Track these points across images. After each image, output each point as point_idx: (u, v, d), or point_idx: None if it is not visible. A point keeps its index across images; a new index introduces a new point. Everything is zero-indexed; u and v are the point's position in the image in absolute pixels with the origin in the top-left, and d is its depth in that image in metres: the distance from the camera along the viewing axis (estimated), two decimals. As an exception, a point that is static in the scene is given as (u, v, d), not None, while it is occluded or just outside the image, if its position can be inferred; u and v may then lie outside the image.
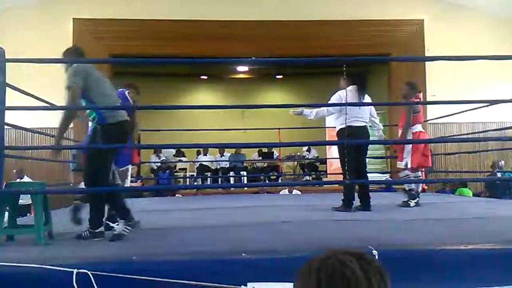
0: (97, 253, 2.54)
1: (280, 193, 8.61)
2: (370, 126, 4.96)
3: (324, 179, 10.65)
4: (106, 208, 3.21)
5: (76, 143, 6.00)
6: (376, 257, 2.17)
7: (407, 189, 4.99)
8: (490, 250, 2.43)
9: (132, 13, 9.63)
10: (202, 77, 15.39)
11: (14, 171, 7.64)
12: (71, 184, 6.11)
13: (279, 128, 9.47)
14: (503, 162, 9.09)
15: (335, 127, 4.86)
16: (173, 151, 12.10)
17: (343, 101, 4.52)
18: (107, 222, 3.74)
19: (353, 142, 4.62)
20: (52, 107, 3.01)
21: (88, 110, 3.28)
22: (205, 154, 11.98)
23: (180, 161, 11.99)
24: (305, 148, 11.93)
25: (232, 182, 10.50)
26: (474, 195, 8.44)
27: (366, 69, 13.60)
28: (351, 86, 4.70)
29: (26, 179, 7.57)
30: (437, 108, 7.98)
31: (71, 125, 3.24)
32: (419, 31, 10.17)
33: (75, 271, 2.07)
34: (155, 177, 10.72)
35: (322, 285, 0.90)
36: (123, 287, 2.10)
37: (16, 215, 3.17)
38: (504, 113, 8.97)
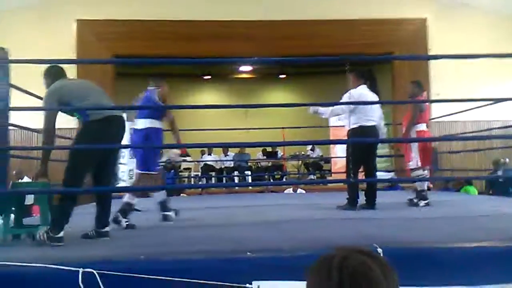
0: (103, 252, 2.55)
1: (285, 192, 8.62)
2: None
3: (329, 178, 10.65)
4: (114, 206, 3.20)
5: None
6: (381, 254, 2.17)
7: (419, 189, 4.94)
8: (495, 247, 2.42)
9: (135, 14, 9.65)
10: (205, 77, 15.42)
11: (14, 172, 7.63)
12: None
13: (283, 128, 9.47)
14: (507, 159, 9.05)
15: (342, 126, 4.85)
16: (178, 151, 12.08)
17: (356, 100, 4.54)
18: (118, 213, 3.80)
19: (357, 140, 4.62)
20: (55, 108, 3.02)
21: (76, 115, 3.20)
22: (209, 154, 11.99)
23: (185, 161, 11.99)
24: (309, 147, 11.92)
25: (236, 181, 10.51)
26: (479, 193, 8.40)
27: (369, 68, 13.59)
28: (362, 84, 4.69)
29: (26, 179, 7.55)
30: (441, 107, 7.96)
31: (73, 125, 3.26)
32: (422, 29, 10.14)
33: (81, 270, 2.08)
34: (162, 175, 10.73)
35: (345, 285, 0.89)
36: (129, 286, 2.11)
37: (22, 215, 3.19)
38: (509, 111, 8.93)
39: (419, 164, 4.88)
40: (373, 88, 4.68)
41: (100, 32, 9.65)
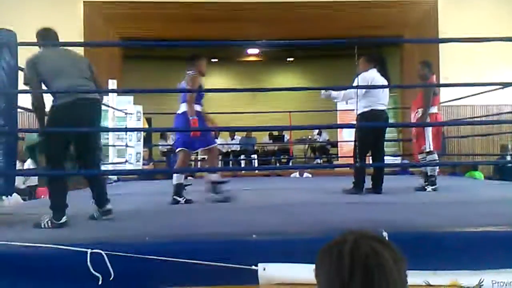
0: (111, 233, 2.58)
1: (291, 176, 8.64)
2: None
3: (335, 162, 10.64)
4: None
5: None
6: (387, 238, 2.18)
7: (429, 174, 4.88)
8: (501, 232, 2.42)
9: (143, -4, 9.57)
10: (213, 60, 15.34)
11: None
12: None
13: (290, 111, 9.43)
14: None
15: (352, 110, 4.81)
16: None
17: (369, 83, 4.50)
18: (174, 197, 4.05)
19: (366, 125, 4.60)
20: (63, 91, 3.02)
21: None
22: (216, 138, 12.01)
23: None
24: (316, 132, 11.90)
25: (243, 165, 10.53)
26: (487, 178, 8.36)
27: (378, 50, 13.45)
28: (372, 67, 4.65)
29: (29, 162, 7.46)
30: (450, 91, 7.88)
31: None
32: (433, 12, 9.97)
33: (89, 251, 2.11)
34: (167, 159, 10.79)
35: (356, 270, 0.90)
36: (136, 267, 2.14)
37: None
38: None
39: (432, 147, 4.84)
40: (383, 72, 4.63)
41: (107, 14, 9.60)
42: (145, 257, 2.12)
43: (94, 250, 2.11)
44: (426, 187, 4.79)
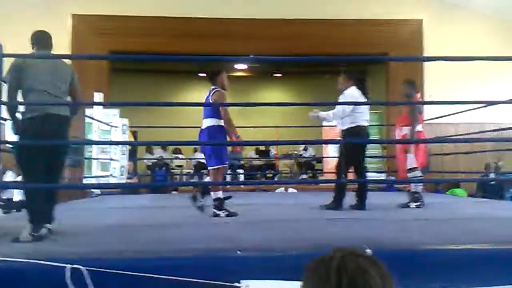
0: (91, 248, 2.53)
1: (276, 191, 8.62)
2: None
3: (320, 178, 10.67)
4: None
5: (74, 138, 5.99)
6: (370, 256, 2.18)
7: (412, 190, 4.92)
8: (483, 250, 2.44)
9: (132, 10, 9.61)
10: (200, 74, 15.38)
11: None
12: (66, 180, 6.10)
13: (276, 126, 9.46)
14: (501, 162, 9.11)
15: (335, 126, 4.85)
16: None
17: (355, 101, 4.54)
18: (214, 210, 4.06)
19: (349, 141, 4.63)
20: (50, 103, 2.99)
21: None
22: (202, 152, 11.97)
23: (177, 158, 11.99)
24: (302, 147, 11.94)
25: (228, 179, 10.48)
26: (470, 195, 8.45)
27: (364, 68, 13.62)
28: (352, 85, 4.70)
29: (10, 174, 7.30)
30: (434, 108, 7.99)
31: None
32: (418, 31, 10.18)
33: (68, 266, 2.06)
34: (152, 173, 10.72)
35: (343, 287, 0.89)
36: (117, 283, 2.10)
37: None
38: (501, 114, 8.98)
39: (415, 165, 4.89)
40: (362, 89, 4.67)
41: (95, 27, 9.59)
42: (126, 273, 2.08)
43: (73, 266, 2.07)
44: (409, 204, 4.82)
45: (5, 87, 3.05)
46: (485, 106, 6.29)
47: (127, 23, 9.60)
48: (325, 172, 9.96)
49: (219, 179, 4.34)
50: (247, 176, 10.70)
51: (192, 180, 11.01)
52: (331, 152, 8.88)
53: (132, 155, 9.33)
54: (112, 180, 6.73)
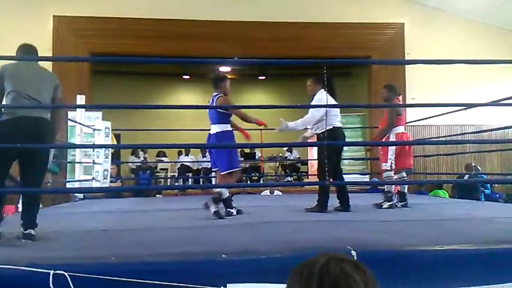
0: (75, 253, 2.50)
1: (262, 194, 8.62)
2: None
3: (306, 180, 10.71)
4: None
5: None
6: (355, 257, 2.20)
7: (386, 190, 5.05)
8: (465, 250, 2.47)
9: (113, 11, 9.53)
10: (184, 76, 15.33)
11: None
12: (48, 184, 6.01)
13: (261, 129, 9.44)
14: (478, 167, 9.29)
15: (306, 129, 4.90)
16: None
17: (326, 103, 4.54)
18: (228, 209, 4.25)
19: (334, 143, 4.65)
20: (36, 106, 2.95)
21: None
22: (186, 155, 11.92)
23: (161, 161, 11.92)
24: (286, 149, 11.97)
25: (214, 182, 10.46)
26: (450, 196, 8.59)
27: (347, 71, 13.74)
28: (321, 89, 4.71)
29: None
30: (416, 111, 8.09)
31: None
32: (400, 34, 10.32)
33: (51, 272, 2.03)
34: (136, 177, 10.63)
35: None
36: (101, 289, 2.07)
37: None
38: (481, 116, 9.17)
39: (393, 166, 4.97)
40: (330, 92, 4.67)
41: (77, 29, 9.49)
42: (110, 279, 2.06)
43: (57, 271, 2.04)
44: (382, 204, 4.89)
45: None
46: (466, 109, 6.41)
47: (109, 25, 9.52)
48: (310, 175, 10.00)
49: (233, 182, 4.49)
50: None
51: (176, 184, 10.95)
52: (316, 154, 8.91)
53: (116, 158, 9.25)
54: (95, 184, 6.65)
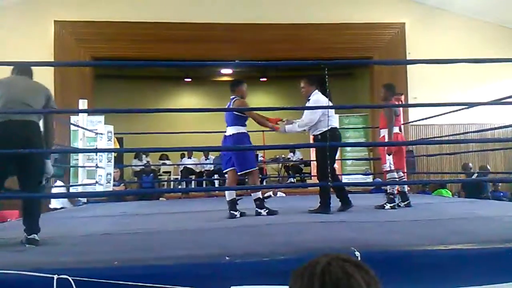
0: (78, 257, 2.50)
1: (265, 195, 8.61)
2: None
3: (309, 181, 10.69)
4: None
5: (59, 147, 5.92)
6: (359, 258, 2.19)
7: (388, 191, 5.01)
8: (469, 250, 2.46)
9: (114, 16, 9.56)
10: (186, 79, 15.34)
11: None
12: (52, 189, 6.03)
13: (263, 131, 9.44)
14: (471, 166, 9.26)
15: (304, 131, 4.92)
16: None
17: (325, 104, 4.54)
18: (231, 212, 4.38)
19: (336, 144, 4.66)
20: (34, 111, 2.96)
21: None
22: (189, 157, 11.92)
23: (164, 164, 11.92)
24: (289, 150, 11.96)
25: (216, 185, 10.46)
26: (459, 196, 8.55)
27: (349, 72, 13.73)
28: (314, 89, 4.71)
29: None
30: (418, 110, 8.08)
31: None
32: (401, 34, 10.31)
33: (55, 276, 2.04)
34: (139, 180, 10.64)
35: None
36: (105, 293, 2.07)
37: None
38: (484, 114, 9.13)
39: (392, 167, 4.97)
40: (323, 92, 4.67)
41: (78, 33, 9.52)
42: (114, 283, 2.06)
43: (61, 276, 2.04)
44: (384, 205, 4.87)
45: None
46: (468, 108, 6.39)
47: (111, 29, 9.54)
48: (313, 176, 9.98)
49: (257, 181, 4.68)
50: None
51: (180, 187, 10.96)
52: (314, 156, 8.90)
53: (118, 162, 9.26)
54: (98, 188, 6.66)
